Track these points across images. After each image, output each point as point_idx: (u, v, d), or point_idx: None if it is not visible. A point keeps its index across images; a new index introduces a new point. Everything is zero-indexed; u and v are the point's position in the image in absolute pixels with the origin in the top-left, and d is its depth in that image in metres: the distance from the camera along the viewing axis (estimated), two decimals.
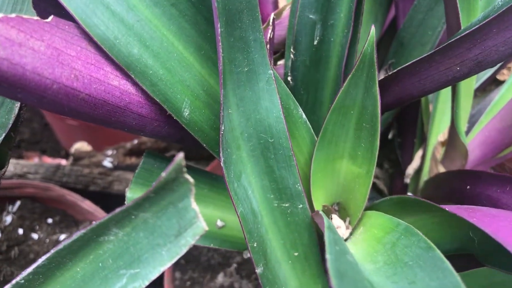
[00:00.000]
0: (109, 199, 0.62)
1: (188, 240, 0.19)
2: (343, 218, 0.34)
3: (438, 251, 0.23)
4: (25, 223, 0.53)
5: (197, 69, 0.28)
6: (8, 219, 0.53)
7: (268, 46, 0.31)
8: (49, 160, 0.77)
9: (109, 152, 0.65)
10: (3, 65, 0.19)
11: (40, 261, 0.21)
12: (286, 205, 0.30)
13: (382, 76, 0.43)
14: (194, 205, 0.18)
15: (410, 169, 0.44)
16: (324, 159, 0.32)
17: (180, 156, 0.16)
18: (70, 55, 0.22)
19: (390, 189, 0.50)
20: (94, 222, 0.19)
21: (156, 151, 0.66)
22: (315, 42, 0.32)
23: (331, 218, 0.33)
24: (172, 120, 0.27)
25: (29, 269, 0.22)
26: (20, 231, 0.52)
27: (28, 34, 0.21)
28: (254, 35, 0.26)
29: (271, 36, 0.30)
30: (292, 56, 0.33)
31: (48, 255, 0.21)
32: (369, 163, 0.31)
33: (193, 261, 0.52)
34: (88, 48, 0.23)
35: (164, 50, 0.26)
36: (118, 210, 0.19)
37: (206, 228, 0.18)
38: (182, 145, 0.30)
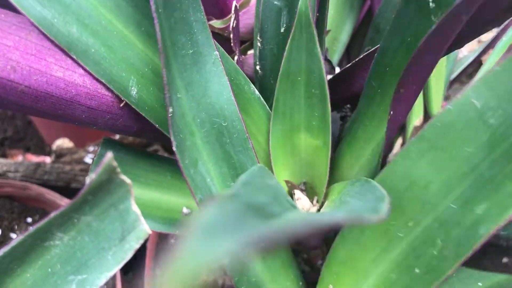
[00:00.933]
0: None
1: (132, 245, 0.18)
2: (311, 196, 0.33)
3: (374, 182, 0.23)
4: (4, 223, 0.52)
5: (139, 48, 0.27)
6: None
7: (232, 35, 0.29)
8: (33, 158, 0.76)
9: (91, 148, 0.64)
10: None
11: None
12: None
13: None
14: (134, 207, 0.17)
15: (391, 157, 0.43)
16: (281, 134, 0.31)
17: (109, 156, 0.14)
18: (6, 45, 0.20)
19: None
20: (31, 228, 0.18)
21: (138, 146, 0.65)
22: (282, 30, 0.31)
23: (294, 194, 0.32)
24: (126, 112, 0.25)
25: None
26: None
27: None
28: (196, 15, 0.25)
29: (233, 25, 0.29)
30: (259, 44, 0.31)
31: None
32: (325, 133, 0.30)
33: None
34: (28, 38, 0.22)
35: (103, 29, 0.25)
36: (55, 213, 0.17)
37: (149, 232, 0.17)
38: (142, 138, 0.29)
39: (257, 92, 0.30)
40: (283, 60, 0.28)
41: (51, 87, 0.22)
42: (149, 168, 0.33)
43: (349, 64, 0.30)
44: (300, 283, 0.34)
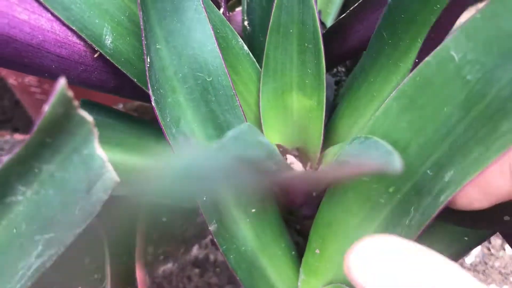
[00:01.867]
0: None
1: (100, 196, 0.16)
2: (305, 162, 0.31)
3: (376, 138, 0.21)
4: None
5: None
6: None
7: None
8: (20, 138, 0.74)
9: None
10: None
11: None
12: None
13: None
14: (99, 151, 0.15)
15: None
16: (272, 94, 0.29)
17: (61, 82, 0.12)
18: None
19: None
20: None
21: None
22: None
23: (286, 159, 0.30)
24: (100, 64, 0.23)
25: None
26: None
27: None
28: None
29: None
30: None
31: None
32: (319, 92, 0.28)
33: (167, 235, 0.49)
34: None
35: None
36: (9, 157, 0.15)
37: (117, 179, 0.15)
38: (120, 95, 0.27)
39: (246, 47, 0.28)
40: (273, 10, 0.26)
41: (14, 30, 0.20)
42: (132, 132, 0.31)
43: (342, 15, 0.28)
44: (293, 253, 0.32)
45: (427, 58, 0.19)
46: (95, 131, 0.15)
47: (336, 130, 0.33)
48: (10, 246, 0.20)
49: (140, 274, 0.45)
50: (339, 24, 0.29)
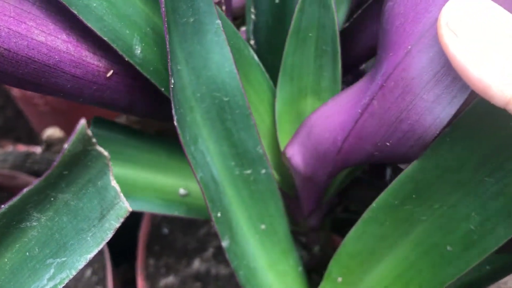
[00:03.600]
0: None
1: (112, 224, 0.17)
2: None
3: None
4: None
5: (139, 6, 0.25)
6: None
7: (224, 7, 0.28)
8: (23, 148, 0.74)
9: None
10: None
11: None
12: (249, 172, 0.28)
13: None
14: (113, 183, 0.16)
15: None
16: (288, 99, 0.29)
17: (82, 123, 0.13)
18: None
19: None
20: (2, 206, 0.17)
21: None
22: (277, 0, 0.29)
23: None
24: (113, 83, 0.24)
25: None
26: None
27: None
28: None
29: None
30: (253, 17, 0.30)
31: None
32: (334, 95, 0.28)
33: (168, 247, 0.50)
34: (5, 0, 0.20)
35: None
36: (28, 188, 0.16)
37: (130, 209, 0.16)
38: (132, 114, 0.28)
39: (256, 57, 0.28)
40: (294, 14, 0.27)
41: (33, 51, 0.21)
42: (143, 147, 0.32)
43: (347, 23, 0.28)
44: (299, 269, 0.33)
45: None
46: (110, 165, 0.15)
47: None
48: (22, 268, 0.21)
49: (142, 286, 0.46)
50: (342, 34, 0.30)
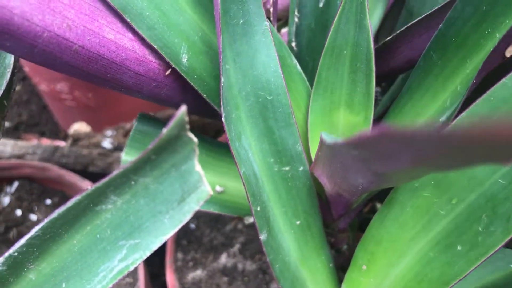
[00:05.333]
0: None
1: (192, 206, 0.18)
2: None
3: None
4: (23, 204, 0.52)
5: (189, 14, 0.26)
6: (6, 200, 0.52)
7: (272, 10, 0.29)
8: (47, 142, 0.76)
9: (109, 133, 0.63)
10: None
11: (33, 231, 0.20)
12: (287, 168, 0.29)
13: None
14: (198, 167, 0.17)
15: None
16: (320, 111, 0.30)
17: (183, 109, 0.14)
18: (62, 3, 0.20)
19: None
20: (89, 187, 0.18)
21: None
22: (321, 5, 0.30)
23: None
24: (170, 81, 0.25)
25: (22, 241, 0.20)
26: (19, 212, 0.51)
27: None
28: None
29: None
30: (296, 20, 0.31)
31: (41, 224, 0.20)
32: (366, 108, 0.29)
33: (195, 242, 0.50)
34: None
35: None
36: (115, 173, 0.17)
37: (211, 193, 0.17)
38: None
39: (298, 66, 0.29)
40: (329, 33, 0.28)
41: (103, 49, 0.22)
42: None
43: (390, 36, 0.29)
44: (331, 265, 0.33)
45: (503, 80, 0.21)
46: (197, 150, 0.16)
47: None
48: (91, 250, 0.22)
49: (170, 279, 0.46)
50: (386, 45, 0.31)
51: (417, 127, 0.10)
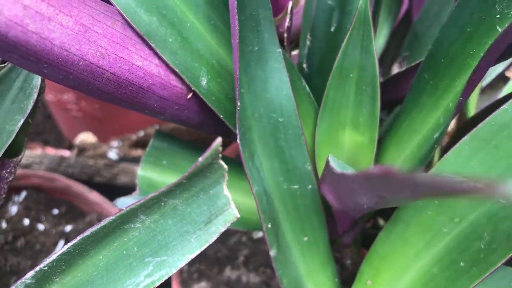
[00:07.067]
0: (114, 191, 0.61)
1: (219, 228, 0.19)
2: None
3: None
4: (31, 214, 0.52)
5: (208, 40, 0.28)
6: (14, 209, 0.53)
7: (286, 35, 0.31)
8: (52, 151, 0.76)
9: (115, 143, 0.64)
10: (33, 38, 0.19)
11: (66, 247, 0.21)
12: (296, 187, 0.30)
13: (396, 70, 0.43)
14: (226, 191, 0.18)
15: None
16: (327, 130, 0.32)
17: (218, 141, 0.15)
18: (96, 32, 0.22)
19: None
20: (124, 208, 0.19)
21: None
22: (332, 29, 0.32)
23: None
24: (191, 104, 0.26)
25: (54, 256, 0.21)
26: (26, 221, 0.52)
27: (57, 9, 0.20)
28: (264, 13, 0.26)
29: (289, 25, 0.30)
30: (308, 43, 0.33)
31: (74, 241, 0.21)
32: (371, 129, 0.31)
33: (200, 254, 0.51)
34: (113, 26, 0.23)
35: (179, 20, 0.26)
36: (150, 196, 0.18)
37: (238, 215, 0.18)
38: (201, 130, 0.30)
39: (307, 88, 0.31)
40: (337, 56, 0.29)
41: (132, 75, 0.23)
42: (193, 158, 0.34)
43: (403, 69, 0.31)
44: (336, 280, 0.35)
45: (503, 106, 0.22)
46: (226, 176, 0.18)
47: (381, 161, 0.36)
48: (117, 265, 0.23)
49: None
50: (393, 77, 0.33)
51: (413, 172, 0.12)
